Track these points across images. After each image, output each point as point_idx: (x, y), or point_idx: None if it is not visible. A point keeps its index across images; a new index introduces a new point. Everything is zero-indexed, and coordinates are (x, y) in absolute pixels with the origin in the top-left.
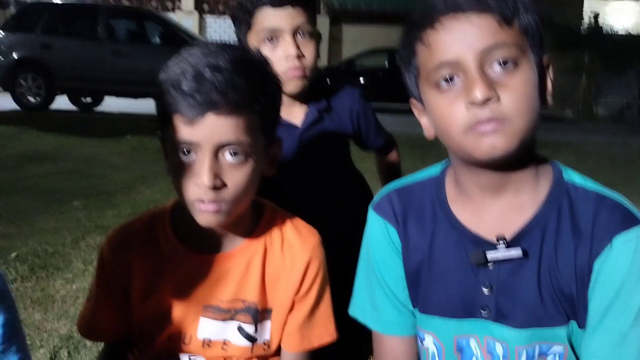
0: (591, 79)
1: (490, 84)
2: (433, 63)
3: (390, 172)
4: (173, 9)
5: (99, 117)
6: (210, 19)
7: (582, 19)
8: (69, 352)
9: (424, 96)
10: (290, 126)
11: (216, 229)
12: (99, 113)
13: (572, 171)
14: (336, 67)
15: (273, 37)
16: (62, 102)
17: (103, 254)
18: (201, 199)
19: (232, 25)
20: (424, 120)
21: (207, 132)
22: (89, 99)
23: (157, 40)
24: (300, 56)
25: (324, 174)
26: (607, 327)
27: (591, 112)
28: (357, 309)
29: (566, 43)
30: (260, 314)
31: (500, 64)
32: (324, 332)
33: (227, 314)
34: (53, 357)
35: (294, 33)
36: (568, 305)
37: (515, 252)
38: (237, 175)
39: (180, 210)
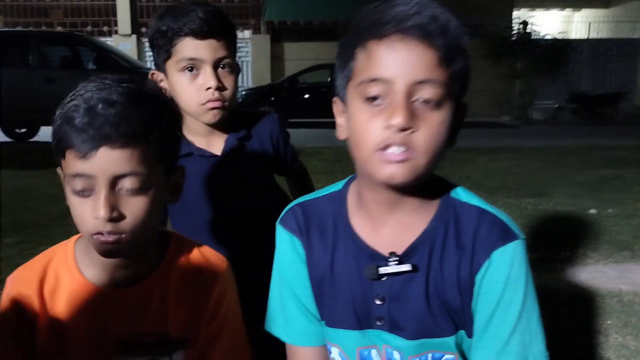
0: (525, 84)
1: (412, 115)
2: (367, 75)
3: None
4: (110, 33)
5: (34, 147)
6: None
7: (512, 27)
8: None
9: (348, 100)
10: (210, 156)
11: (122, 262)
12: (35, 143)
13: (461, 188)
14: (279, 85)
15: (193, 67)
16: None
17: (4, 297)
18: (99, 231)
19: None
20: (341, 120)
21: (102, 165)
22: (23, 130)
23: (91, 65)
24: (220, 88)
25: (247, 200)
26: (489, 336)
27: (527, 116)
28: (271, 323)
29: (499, 51)
30: (173, 345)
31: (425, 99)
32: (238, 356)
33: (140, 349)
34: None
35: (215, 65)
36: (455, 316)
37: (405, 267)
38: (135, 206)
39: (84, 246)
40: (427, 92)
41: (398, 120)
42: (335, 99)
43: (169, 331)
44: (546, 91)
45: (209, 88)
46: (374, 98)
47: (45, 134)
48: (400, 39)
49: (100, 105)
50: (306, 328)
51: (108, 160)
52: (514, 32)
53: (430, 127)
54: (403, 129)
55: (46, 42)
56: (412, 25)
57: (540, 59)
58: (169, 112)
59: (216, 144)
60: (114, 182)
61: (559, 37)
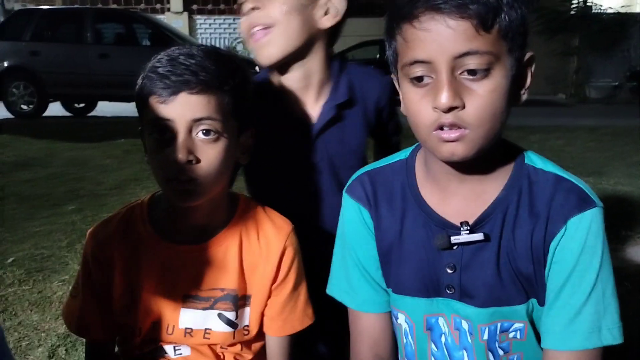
0: (582, 61)
1: (457, 92)
2: (408, 58)
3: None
4: (162, 11)
5: (91, 121)
6: (199, 19)
7: (570, 1)
8: (66, 350)
9: (399, 79)
10: (303, 125)
11: (193, 219)
12: (92, 118)
13: (534, 154)
14: None
15: None
16: (55, 109)
17: (86, 250)
18: (176, 176)
19: (221, 24)
20: (401, 95)
21: (181, 109)
22: (82, 105)
23: (146, 42)
24: (258, 7)
25: (335, 182)
26: (561, 304)
27: (583, 94)
28: (335, 289)
29: (555, 26)
30: (239, 301)
31: (470, 71)
32: (304, 315)
33: (207, 303)
34: (51, 355)
35: None
36: (527, 284)
37: (477, 237)
38: (209, 152)
39: (158, 203)
40: (470, 64)
41: (442, 101)
42: (392, 75)
43: (236, 288)
44: (604, 69)
45: (248, 12)
46: (419, 79)
47: (102, 109)
48: (432, 17)
49: (181, 57)
50: (370, 295)
51: (187, 105)
52: (573, 5)
53: (480, 99)
54: (449, 109)
55: (102, 20)
56: (440, 1)
57: (599, 34)
58: (241, 71)
59: (310, 110)
60: (191, 127)
61: (622, 10)
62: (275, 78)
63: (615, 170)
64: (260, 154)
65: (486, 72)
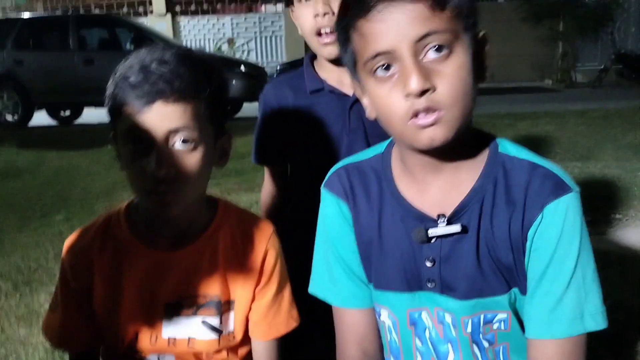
0: (567, 46)
1: (426, 74)
2: (369, 53)
3: None
4: (145, 13)
5: (78, 129)
6: (183, 21)
7: None
8: None
9: (363, 81)
10: (340, 95)
11: (172, 225)
12: (79, 125)
13: (508, 142)
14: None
15: None
16: (41, 118)
17: (64, 260)
18: (154, 188)
19: (205, 25)
20: (365, 101)
21: (156, 119)
22: (67, 112)
23: (129, 46)
24: (329, 13)
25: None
26: (542, 292)
27: (570, 80)
28: (316, 286)
29: (540, 12)
30: (223, 306)
31: (434, 51)
32: (289, 317)
33: (190, 310)
34: None
35: None
36: (508, 274)
37: (454, 228)
38: (187, 162)
39: (136, 209)
40: (432, 42)
41: (413, 86)
42: (352, 82)
43: (219, 293)
44: (590, 53)
45: (316, 16)
46: (384, 71)
47: (88, 116)
48: (385, 6)
49: (154, 64)
50: (353, 291)
51: (162, 115)
52: None
53: (449, 78)
54: (422, 93)
55: (85, 25)
56: None
57: (584, 19)
58: (217, 74)
59: (348, 82)
60: (167, 138)
61: None
62: (321, 60)
63: (604, 154)
64: (304, 129)
65: (449, 50)
